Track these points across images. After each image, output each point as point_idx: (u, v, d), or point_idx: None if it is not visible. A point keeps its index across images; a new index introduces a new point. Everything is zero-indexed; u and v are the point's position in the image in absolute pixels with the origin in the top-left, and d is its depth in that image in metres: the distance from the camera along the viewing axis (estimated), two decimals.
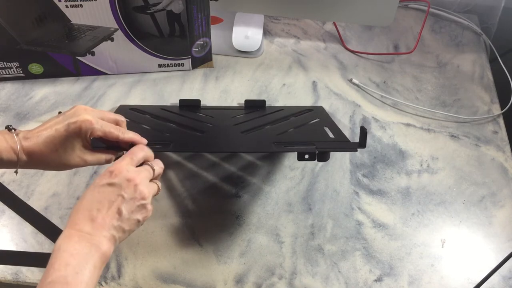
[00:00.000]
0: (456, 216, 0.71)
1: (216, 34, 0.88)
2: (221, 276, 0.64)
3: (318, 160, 0.61)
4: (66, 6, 0.75)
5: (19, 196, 0.70)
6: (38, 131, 0.51)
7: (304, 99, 0.85)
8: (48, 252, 0.65)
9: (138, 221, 0.50)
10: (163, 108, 0.79)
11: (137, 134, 0.56)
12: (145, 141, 0.57)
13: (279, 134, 0.68)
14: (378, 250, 0.67)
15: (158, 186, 0.54)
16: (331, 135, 0.69)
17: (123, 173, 0.49)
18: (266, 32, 0.97)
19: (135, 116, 0.75)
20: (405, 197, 0.73)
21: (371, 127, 0.81)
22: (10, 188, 0.71)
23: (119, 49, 0.82)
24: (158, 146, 0.62)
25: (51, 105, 0.81)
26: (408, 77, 0.91)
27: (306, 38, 0.96)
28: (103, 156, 0.55)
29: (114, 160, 0.57)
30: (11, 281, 0.62)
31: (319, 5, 0.84)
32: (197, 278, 0.64)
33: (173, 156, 0.76)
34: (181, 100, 0.81)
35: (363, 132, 0.60)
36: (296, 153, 0.61)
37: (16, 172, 0.51)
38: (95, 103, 0.82)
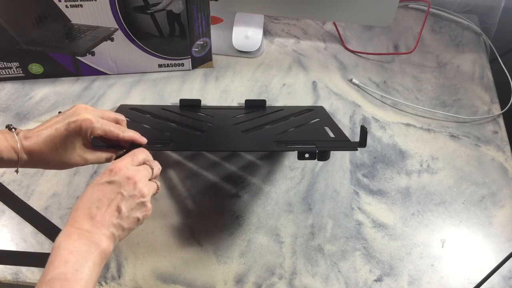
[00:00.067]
0: (456, 216, 0.71)
1: (216, 34, 0.89)
2: (221, 276, 0.64)
3: (318, 159, 0.61)
4: (66, 6, 0.75)
5: (19, 196, 0.70)
6: (38, 130, 0.51)
7: (304, 99, 0.85)
8: (48, 252, 0.64)
9: (138, 219, 0.50)
10: (164, 108, 0.79)
11: (137, 132, 0.57)
12: (144, 139, 0.57)
13: (279, 133, 0.68)
14: (378, 250, 0.67)
15: (157, 185, 0.54)
16: (331, 135, 0.69)
17: (122, 171, 0.49)
18: (266, 32, 0.97)
19: (135, 115, 0.75)
20: (405, 197, 0.73)
21: (371, 127, 0.81)
22: (10, 188, 0.71)
23: (119, 49, 0.82)
24: (158, 145, 0.62)
25: (51, 105, 0.81)
26: (408, 77, 0.91)
27: (306, 38, 0.96)
28: (103, 155, 0.55)
29: (114, 159, 0.57)
30: (11, 281, 0.62)
31: (319, 5, 0.84)
32: (197, 278, 0.64)
33: (174, 155, 0.76)
34: (181, 100, 0.81)
35: (363, 131, 0.60)
36: (296, 152, 0.61)
37: (16, 171, 0.52)
38: (95, 103, 0.82)
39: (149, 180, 0.53)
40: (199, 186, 0.72)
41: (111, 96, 0.83)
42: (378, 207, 0.71)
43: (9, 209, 0.69)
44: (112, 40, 0.81)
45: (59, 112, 0.54)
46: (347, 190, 0.73)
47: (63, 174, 0.72)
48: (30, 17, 0.76)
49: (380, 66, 0.92)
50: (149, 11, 0.78)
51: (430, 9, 1.00)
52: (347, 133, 0.79)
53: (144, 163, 0.54)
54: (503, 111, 0.85)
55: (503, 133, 0.82)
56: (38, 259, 0.64)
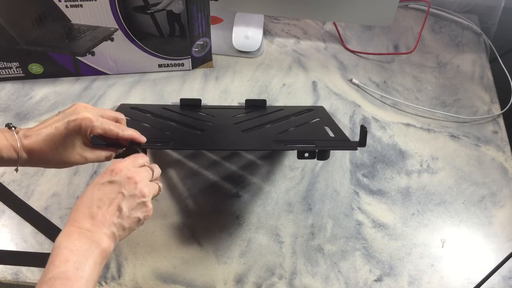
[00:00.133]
0: (456, 216, 0.71)
1: (216, 34, 0.89)
2: (221, 276, 0.64)
3: (318, 159, 0.61)
4: (66, 6, 0.75)
5: (19, 196, 0.70)
6: (38, 129, 0.51)
7: (304, 99, 0.85)
8: (48, 252, 0.64)
9: (139, 219, 0.50)
10: (164, 107, 0.79)
11: (137, 131, 0.57)
12: (144, 138, 0.57)
13: (279, 133, 0.68)
14: (378, 250, 0.67)
15: (159, 186, 0.54)
16: (331, 134, 0.69)
17: (123, 171, 0.50)
18: (266, 32, 0.97)
19: (135, 114, 0.75)
20: (405, 197, 0.73)
21: (371, 127, 0.81)
22: (10, 188, 0.71)
23: (119, 49, 0.82)
24: (158, 143, 0.62)
25: (51, 105, 0.81)
26: (408, 77, 0.91)
27: (306, 38, 0.96)
28: (103, 153, 0.56)
29: (114, 158, 0.57)
30: (11, 281, 0.62)
31: (319, 5, 0.84)
32: (197, 278, 0.63)
33: (174, 154, 0.76)
34: (182, 99, 0.81)
35: (363, 131, 0.60)
36: (296, 152, 0.61)
37: (16, 170, 0.52)
38: (95, 103, 0.82)
39: (150, 181, 0.53)
40: (199, 185, 0.72)
41: (111, 96, 0.83)
42: (378, 207, 0.71)
43: (9, 209, 0.69)
44: (112, 40, 0.81)
45: (59, 112, 0.54)
46: (347, 190, 0.73)
47: (63, 174, 0.72)
48: (30, 17, 0.76)
49: (380, 66, 0.92)
50: (149, 11, 0.78)
51: (430, 9, 1.00)
52: (347, 133, 0.79)
53: (144, 166, 0.54)
54: (503, 111, 0.85)
55: (503, 133, 0.82)
56: (38, 259, 0.64)
